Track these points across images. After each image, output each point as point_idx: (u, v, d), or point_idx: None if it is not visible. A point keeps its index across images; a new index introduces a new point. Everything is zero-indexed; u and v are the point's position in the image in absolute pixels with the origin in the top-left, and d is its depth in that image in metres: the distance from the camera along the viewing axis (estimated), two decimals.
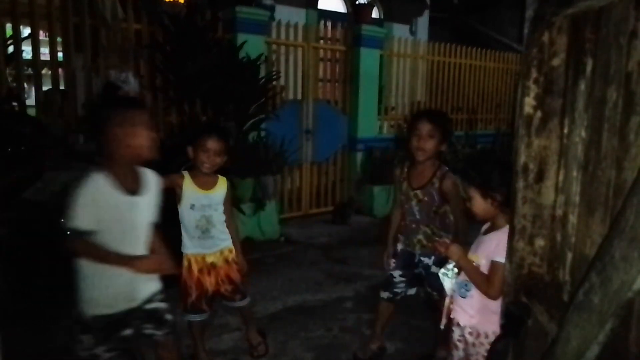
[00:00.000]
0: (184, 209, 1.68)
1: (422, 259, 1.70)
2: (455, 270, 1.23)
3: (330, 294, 2.49)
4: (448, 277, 1.23)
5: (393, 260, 1.77)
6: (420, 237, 1.69)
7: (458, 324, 1.27)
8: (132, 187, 1.26)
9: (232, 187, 1.81)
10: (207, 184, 1.68)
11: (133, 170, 1.28)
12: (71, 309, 1.27)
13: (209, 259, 1.71)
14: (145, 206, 1.29)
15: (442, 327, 1.30)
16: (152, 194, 1.32)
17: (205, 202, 1.67)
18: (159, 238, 1.39)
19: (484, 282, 1.17)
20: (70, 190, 1.18)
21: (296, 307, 2.38)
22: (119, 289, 1.25)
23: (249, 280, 1.87)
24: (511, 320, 0.86)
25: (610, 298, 0.62)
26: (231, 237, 1.77)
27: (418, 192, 1.65)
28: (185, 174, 1.67)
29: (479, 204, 1.22)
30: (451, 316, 1.29)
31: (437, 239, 1.63)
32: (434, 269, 1.65)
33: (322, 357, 1.95)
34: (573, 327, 0.68)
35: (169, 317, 1.40)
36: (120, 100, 1.89)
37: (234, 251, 1.78)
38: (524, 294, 0.86)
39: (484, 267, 1.20)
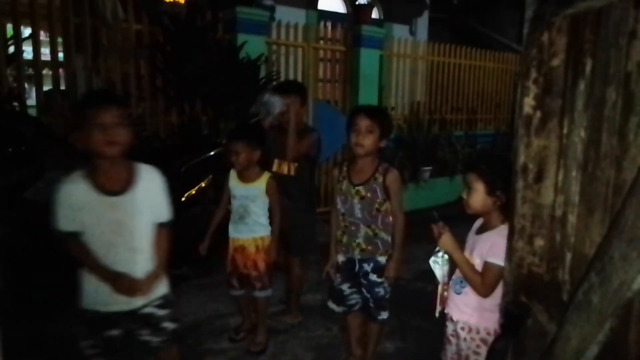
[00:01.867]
0: (231, 199, 1.92)
1: (362, 265, 1.65)
2: (446, 257, 1.21)
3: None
4: (438, 265, 1.22)
5: (338, 275, 1.72)
6: (360, 240, 1.63)
7: (452, 319, 1.27)
8: (114, 186, 1.19)
9: (275, 181, 1.92)
10: (247, 178, 1.89)
11: (116, 168, 1.20)
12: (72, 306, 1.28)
13: (240, 242, 1.91)
14: (131, 206, 1.21)
15: (436, 315, 1.30)
16: (144, 192, 1.23)
17: (243, 193, 1.88)
18: (163, 240, 1.31)
19: (476, 279, 1.17)
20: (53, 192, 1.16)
21: None
22: (106, 290, 1.21)
23: (271, 273, 1.95)
24: (510, 319, 0.86)
25: (610, 298, 0.63)
26: (269, 227, 1.91)
27: (360, 188, 1.60)
28: (232, 171, 1.91)
29: (480, 199, 1.20)
30: (445, 311, 1.29)
31: (378, 240, 1.60)
32: (371, 276, 1.64)
33: (321, 356, 1.95)
34: (572, 327, 0.68)
35: (167, 324, 1.33)
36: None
37: (266, 241, 1.91)
38: (523, 294, 0.86)
39: (478, 267, 1.20)
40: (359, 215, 1.62)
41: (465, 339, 1.24)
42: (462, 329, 1.24)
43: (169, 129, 3.34)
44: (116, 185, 1.20)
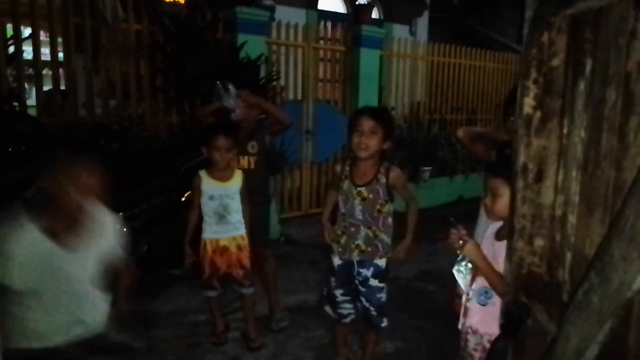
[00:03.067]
0: (204, 201, 1.89)
1: (360, 270, 1.61)
2: (470, 266, 1.16)
3: None
4: (462, 274, 1.17)
5: (333, 279, 1.68)
6: (360, 241, 1.60)
7: (476, 332, 1.21)
8: (72, 238, 1.05)
9: (246, 179, 1.95)
10: (223, 177, 1.89)
11: (77, 216, 1.06)
12: None
13: (222, 243, 1.91)
14: (89, 259, 1.09)
15: (460, 326, 1.25)
16: (100, 242, 1.12)
17: (222, 192, 1.88)
18: (123, 278, 1.21)
19: (504, 285, 1.09)
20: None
21: (296, 306, 2.38)
22: (58, 318, 1.06)
23: (253, 272, 1.98)
24: (510, 319, 0.86)
25: (610, 298, 0.63)
26: (244, 223, 1.92)
27: (362, 189, 1.57)
28: (202, 172, 1.89)
29: (507, 205, 1.11)
30: (467, 324, 1.23)
31: (378, 242, 1.57)
32: (372, 281, 1.60)
33: (322, 356, 1.95)
34: (572, 327, 0.68)
35: (116, 338, 1.15)
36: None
37: (245, 239, 1.93)
38: (523, 294, 0.86)
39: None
40: (360, 217, 1.60)
41: None
42: (489, 341, 1.17)
43: (169, 129, 3.34)
44: (75, 237, 1.07)
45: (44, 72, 3.19)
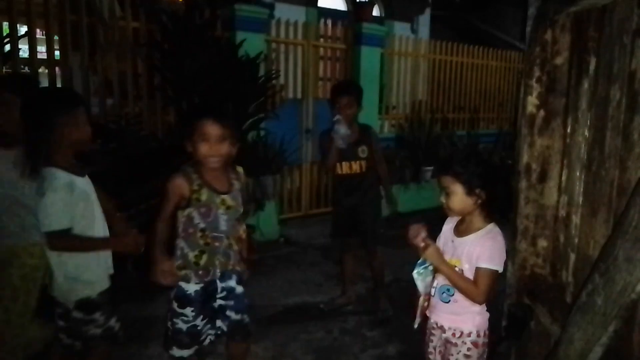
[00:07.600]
0: None
1: (222, 284, 1.41)
2: (430, 268, 1.18)
3: (330, 296, 2.48)
4: (422, 276, 1.19)
5: (190, 309, 1.38)
6: (220, 254, 1.40)
7: (441, 328, 1.24)
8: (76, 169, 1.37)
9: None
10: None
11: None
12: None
13: None
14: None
15: (415, 326, 1.26)
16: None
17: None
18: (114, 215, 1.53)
19: (470, 287, 1.14)
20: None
21: (296, 308, 2.37)
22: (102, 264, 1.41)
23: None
24: (514, 322, 0.85)
25: (614, 299, 0.62)
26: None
27: (226, 197, 1.38)
28: None
29: (461, 201, 1.16)
30: (432, 320, 1.26)
31: (230, 249, 1.40)
32: (238, 289, 1.44)
33: (322, 359, 1.94)
34: (576, 329, 0.67)
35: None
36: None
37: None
38: (526, 296, 0.85)
39: (467, 272, 1.17)
40: (224, 228, 1.40)
41: (455, 344, 1.21)
42: (453, 335, 1.22)
43: (167, 128, 3.32)
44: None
45: (40, 70, 3.16)
